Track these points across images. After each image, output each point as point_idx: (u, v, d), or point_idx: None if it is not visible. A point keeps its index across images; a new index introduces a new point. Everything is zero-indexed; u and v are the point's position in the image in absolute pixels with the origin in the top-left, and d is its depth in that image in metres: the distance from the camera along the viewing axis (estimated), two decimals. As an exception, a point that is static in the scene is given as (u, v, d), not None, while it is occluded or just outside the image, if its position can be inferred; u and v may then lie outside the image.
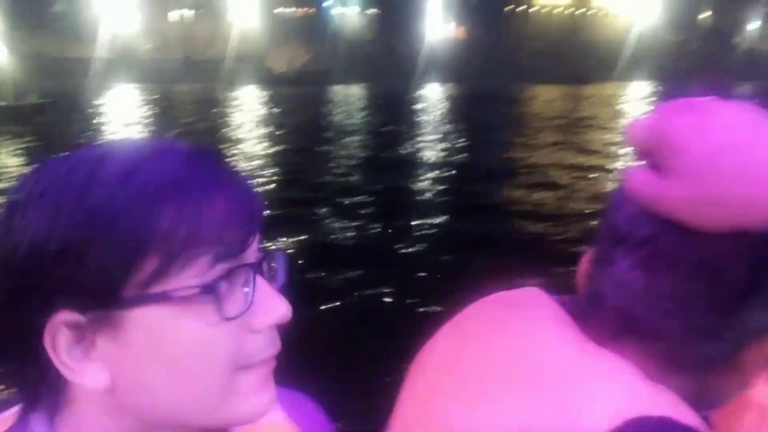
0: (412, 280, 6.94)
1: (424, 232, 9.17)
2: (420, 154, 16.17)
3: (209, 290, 0.52)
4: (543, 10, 79.91)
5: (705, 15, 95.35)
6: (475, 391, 0.62)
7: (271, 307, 0.56)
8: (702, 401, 0.62)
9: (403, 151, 16.81)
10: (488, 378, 0.62)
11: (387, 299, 6.39)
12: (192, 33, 72.03)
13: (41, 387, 0.53)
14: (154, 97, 41.10)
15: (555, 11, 79.89)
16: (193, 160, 0.54)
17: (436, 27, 69.54)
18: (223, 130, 22.94)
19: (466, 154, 16.08)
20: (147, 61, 66.55)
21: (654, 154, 0.58)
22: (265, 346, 0.57)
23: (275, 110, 32.27)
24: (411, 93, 42.93)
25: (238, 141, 19.54)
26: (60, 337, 0.51)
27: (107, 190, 0.50)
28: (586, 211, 9.39)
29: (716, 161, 0.53)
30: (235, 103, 38.32)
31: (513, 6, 76.49)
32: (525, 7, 78.00)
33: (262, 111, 32.41)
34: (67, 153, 0.53)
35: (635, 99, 41.02)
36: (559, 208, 9.84)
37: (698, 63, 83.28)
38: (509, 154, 15.85)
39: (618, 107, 34.30)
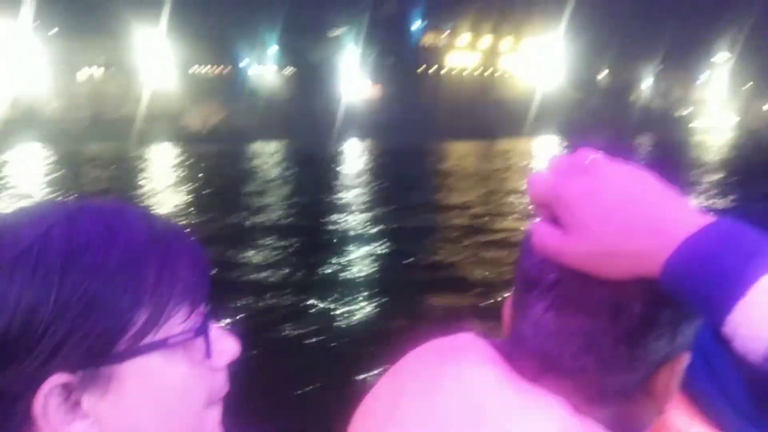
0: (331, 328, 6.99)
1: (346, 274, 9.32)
2: (340, 210, 16.32)
3: (201, 333, 0.58)
4: (454, 71, 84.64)
5: (603, 75, 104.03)
6: None
7: (227, 346, 0.61)
8: (624, 429, 0.67)
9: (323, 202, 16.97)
10: (430, 426, 0.65)
11: (309, 344, 6.43)
12: (102, 91, 70.57)
13: None
14: (57, 156, 39.55)
15: (465, 72, 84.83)
16: (150, 218, 0.59)
17: (353, 86, 71.68)
18: (136, 188, 22.32)
19: (381, 208, 16.10)
20: (53, 121, 64.27)
21: (551, 208, 0.64)
22: (225, 383, 0.62)
23: (188, 167, 31.94)
24: (330, 149, 43.60)
25: (151, 196, 19.17)
26: (51, 400, 0.52)
27: (94, 253, 0.52)
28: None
29: (605, 221, 0.59)
30: (146, 161, 37.59)
31: (426, 67, 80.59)
32: (437, 68, 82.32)
33: (176, 168, 31.94)
34: (12, 216, 0.53)
35: (543, 152, 43.84)
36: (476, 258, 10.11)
37: (598, 118, 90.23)
38: (425, 209, 16.30)
39: (527, 160, 36.23)
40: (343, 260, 8.90)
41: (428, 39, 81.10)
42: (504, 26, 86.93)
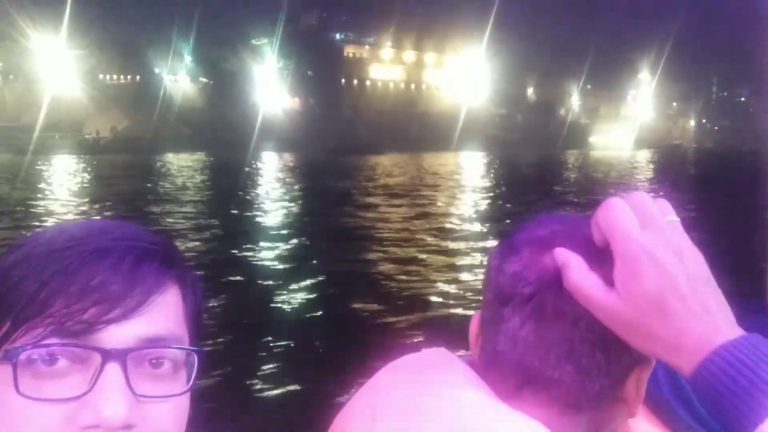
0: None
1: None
2: (261, 221, 15.45)
3: (7, 357, 0.54)
4: (379, 83, 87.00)
5: (529, 91, 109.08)
6: None
7: (100, 405, 0.54)
8: None
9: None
10: None
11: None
12: (1, 99, 68.62)
13: None
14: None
15: (390, 85, 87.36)
16: (101, 238, 0.58)
17: (271, 98, 72.34)
18: (37, 201, 21.45)
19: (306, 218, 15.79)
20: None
21: (602, 251, 0.66)
22: None
23: (90, 178, 31.26)
24: (247, 162, 43.14)
25: (51, 213, 18.44)
26: None
27: (4, 255, 0.57)
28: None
29: (661, 296, 0.62)
30: (48, 172, 36.65)
31: (348, 79, 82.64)
32: (360, 80, 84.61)
33: (77, 180, 31.20)
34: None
35: (469, 167, 45.11)
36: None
37: (523, 134, 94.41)
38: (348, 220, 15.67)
39: (455, 175, 35.63)
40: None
41: (351, 51, 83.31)
42: (427, 40, 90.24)
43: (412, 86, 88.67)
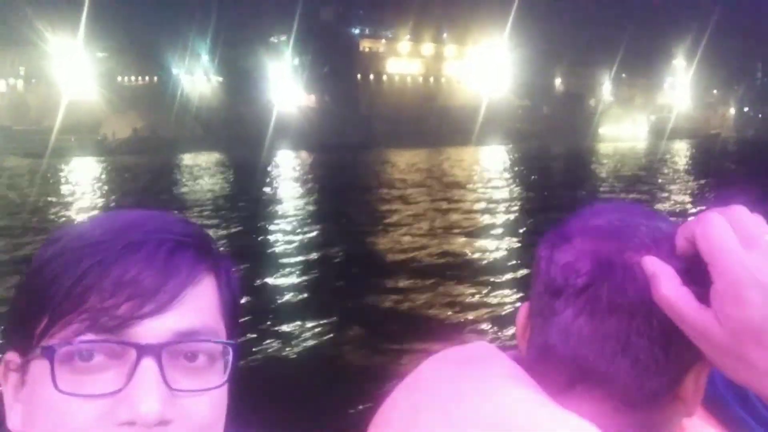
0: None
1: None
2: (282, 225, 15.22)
3: (45, 354, 0.55)
4: (396, 78, 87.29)
5: (557, 82, 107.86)
6: None
7: (136, 401, 0.54)
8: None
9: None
10: None
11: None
12: (23, 102, 71.61)
13: None
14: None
15: (408, 79, 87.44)
16: (134, 231, 0.58)
17: (287, 95, 73.42)
18: (58, 203, 22.23)
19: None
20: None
21: (698, 267, 0.63)
22: None
23: (114, 179, 32.23)
24: (263, 161, 43.47)
25: (71, 215, 18.89)
26: (3, 373, 0.59)
27: (41, 250, 0.58)
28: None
29: (763, 322, 0.59)
30: (68, 173, 37.93)
31: (364, 74, 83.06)
32: (377, 75, 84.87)
33: (99, 181, 32.17)
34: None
35: (492, 161, 42.73)
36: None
37: (549, 126, 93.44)
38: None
39: (477, 169, 35.38)
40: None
41: (367, 45, 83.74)
42: (447, 32, 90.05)
43: (431, 80, 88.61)
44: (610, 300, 0.65)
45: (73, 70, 70.56)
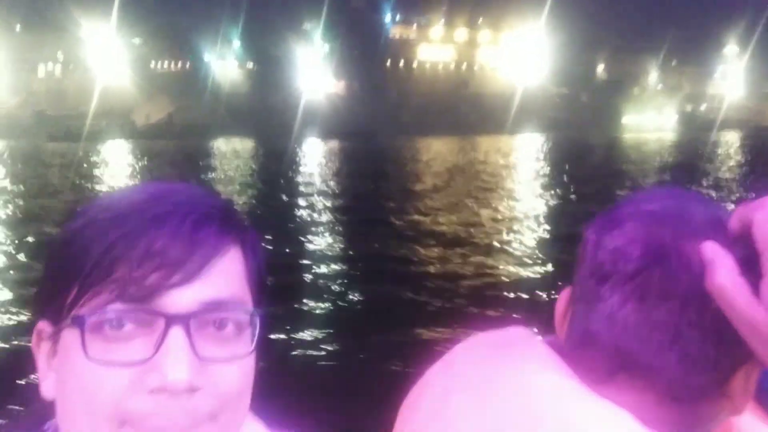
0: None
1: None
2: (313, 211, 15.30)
3: (75, 323, 0.57)
4: (428, 65, 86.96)
5: (599, 68, 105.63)
6: None
7: (165, 369, 0.56)
8: (693, 429, 0.67)
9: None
10: (485, 426, 0.64)
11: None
12: (61, 88, 74.53)
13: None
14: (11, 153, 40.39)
15: (439, 66, 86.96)
16: (161, 203, 0.61)
17: (317, 82, 74.23)
18: (93, 186, 22.55)
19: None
20: (11, 117, 68.29)
21: (754, 253, 0.60)
22: (155, 412, 0.57)
23: (148, 164, 32.89)
24: (292, 148, 43.86)
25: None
26: (35, 342, 0.61)
27: (70, 221, 0.60)
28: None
29: None
30: (103, 156, 39.43)
31: (395, 60, 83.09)
32: (408, 61, 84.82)
33: (134, 165, 33.28)
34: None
35: (527, 150, 42.45)
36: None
37: (587, 115, 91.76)
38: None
39: (511, 159, 35.15)
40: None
41: (398, 32, 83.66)
42: (482, 17, 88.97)
43: (464, 66, 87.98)
44: (662, 288, 0.63)
45: (108, 56, 73.08)
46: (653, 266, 0.64)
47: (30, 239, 10.76)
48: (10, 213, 14.83)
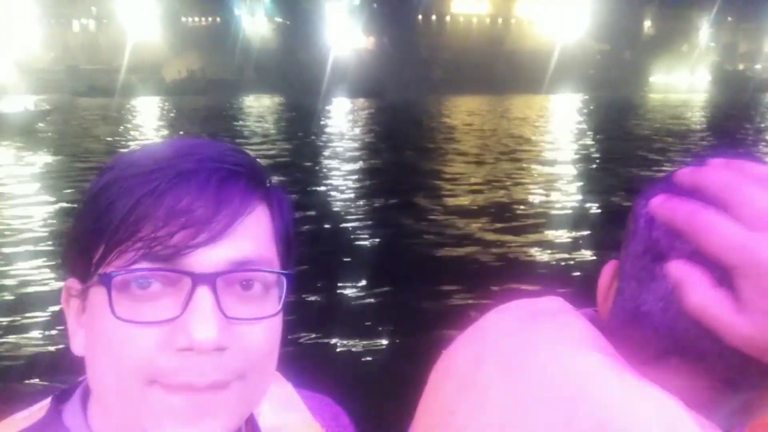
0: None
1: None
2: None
3: (103, 281, 0.58)
4: (461, 19, 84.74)
5: (646, 24, 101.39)
6: (502, 413, 0.62)
7: (191, 328, 0.56)
8: (742, 418, 0.65)
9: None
10: (517, 400, 0.62)
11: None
12: (95, 42, 75.97)
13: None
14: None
15: (474, 20, 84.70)
16: (187, 159, 0.60)
17: (345, 38, 73.54)
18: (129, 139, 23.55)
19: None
20: (47, 71, 70.16)
21: (726, 266, 0.57)
22: (183, 369, 0.57)
23: (177, 119, 33.12)
24: (320, 106, 41.17)
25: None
26: (65, 299, 0.63)
27: (96, 178, 0.61)
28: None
29: None
30: (134, 112, 39.12)
31: (426, 14, 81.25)
32: (440, 15, 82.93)
33: (164, 121, 33.08)
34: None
35: (564, 111, 41.09)
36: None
37: (630, 73, 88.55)
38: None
39: (547, 119, 34.38)
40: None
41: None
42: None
43: (499, 21, 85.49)
44: None
45: (140, 11, 73.94)
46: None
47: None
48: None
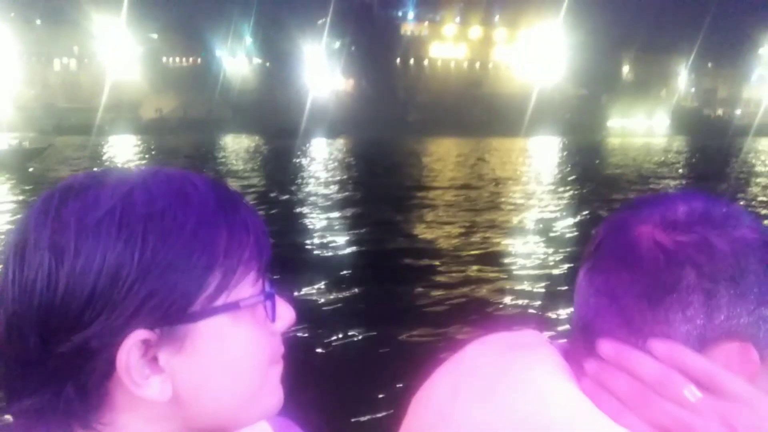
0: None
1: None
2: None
3: (269, 297, 0.65)
4: (439, 63, 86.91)
5: (624, 69, 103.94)
6: None
7: (284, 313, 0.67)
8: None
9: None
10: (492, 429, 0.66)
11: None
12: (76, 81, 77.09)
13: (74, 405, 0.59)
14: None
15: (452, 64, 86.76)
16: (215, 184, 0.65)
17: (324, 79, 74.98)
18: None
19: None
20: (27, 110, 70.96)
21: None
22: (281, 345, 0.69)
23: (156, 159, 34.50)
24: (298, 146, 43.02)
25: None
26: (132, 354, 0.60)
27: (173, 218, 0.60)
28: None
29: None
30: (113, 150, 39.60)
31: (406, 58, 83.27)
32: (419, 59, 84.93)
33: (141, 159, 34.34)
34: (88, 177, 0.60)
35: (542, 153, 41.82)
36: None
37: (605, 117, 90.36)
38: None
39: (525, 161, 34.90)
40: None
41: (409, 28, 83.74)
42: (497, 14, 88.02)
43: (477, 65, 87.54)
44: (606, 255, 0.65)
45: (122, 50, 75.33)
46: (605, 242, 0.66)
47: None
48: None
